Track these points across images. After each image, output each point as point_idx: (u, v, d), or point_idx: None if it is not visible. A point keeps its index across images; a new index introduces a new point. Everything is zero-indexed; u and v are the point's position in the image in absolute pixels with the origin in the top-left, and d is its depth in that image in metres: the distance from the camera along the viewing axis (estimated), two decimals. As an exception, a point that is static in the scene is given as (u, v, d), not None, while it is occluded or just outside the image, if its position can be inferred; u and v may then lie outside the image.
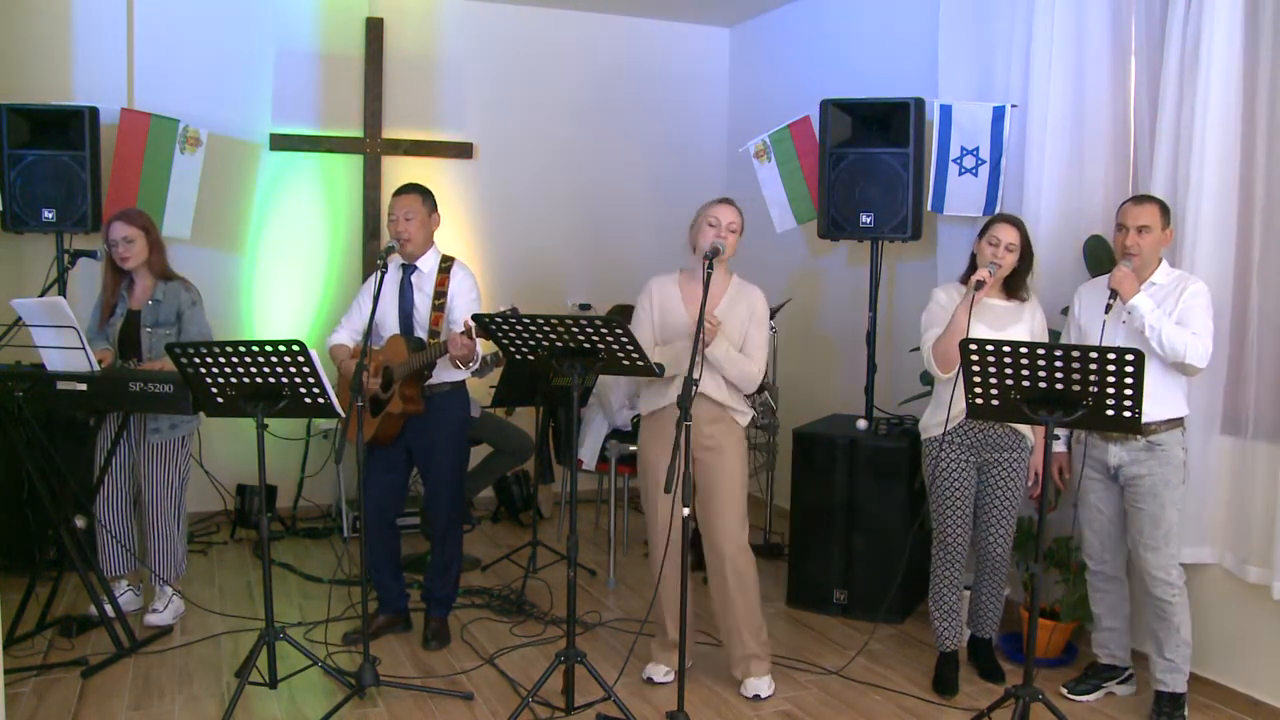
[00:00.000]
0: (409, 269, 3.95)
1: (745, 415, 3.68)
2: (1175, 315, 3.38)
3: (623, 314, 4.72)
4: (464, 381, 4.02)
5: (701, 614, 4.04)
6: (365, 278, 5.10)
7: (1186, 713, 3.49)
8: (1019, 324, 3.61)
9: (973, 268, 3.60)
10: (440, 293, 3.91)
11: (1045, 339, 3.65)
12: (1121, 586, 3.67)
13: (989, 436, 3.63)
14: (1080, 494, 3.67)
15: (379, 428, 3.87)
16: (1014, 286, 3.66)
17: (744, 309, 3.64)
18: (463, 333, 3.50)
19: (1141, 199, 3.49)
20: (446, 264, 3.97)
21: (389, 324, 3.95)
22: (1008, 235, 3.58)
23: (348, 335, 4.04)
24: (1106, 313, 3.38)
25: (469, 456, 4.20)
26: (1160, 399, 3.38)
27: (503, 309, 3.57)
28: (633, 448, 5.02)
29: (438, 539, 4.05)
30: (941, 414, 3.58)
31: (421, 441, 3.94)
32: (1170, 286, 3.45)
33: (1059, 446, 3.71)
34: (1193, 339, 3.33)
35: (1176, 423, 3.47)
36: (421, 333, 3.91)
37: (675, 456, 3.01)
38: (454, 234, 6.08)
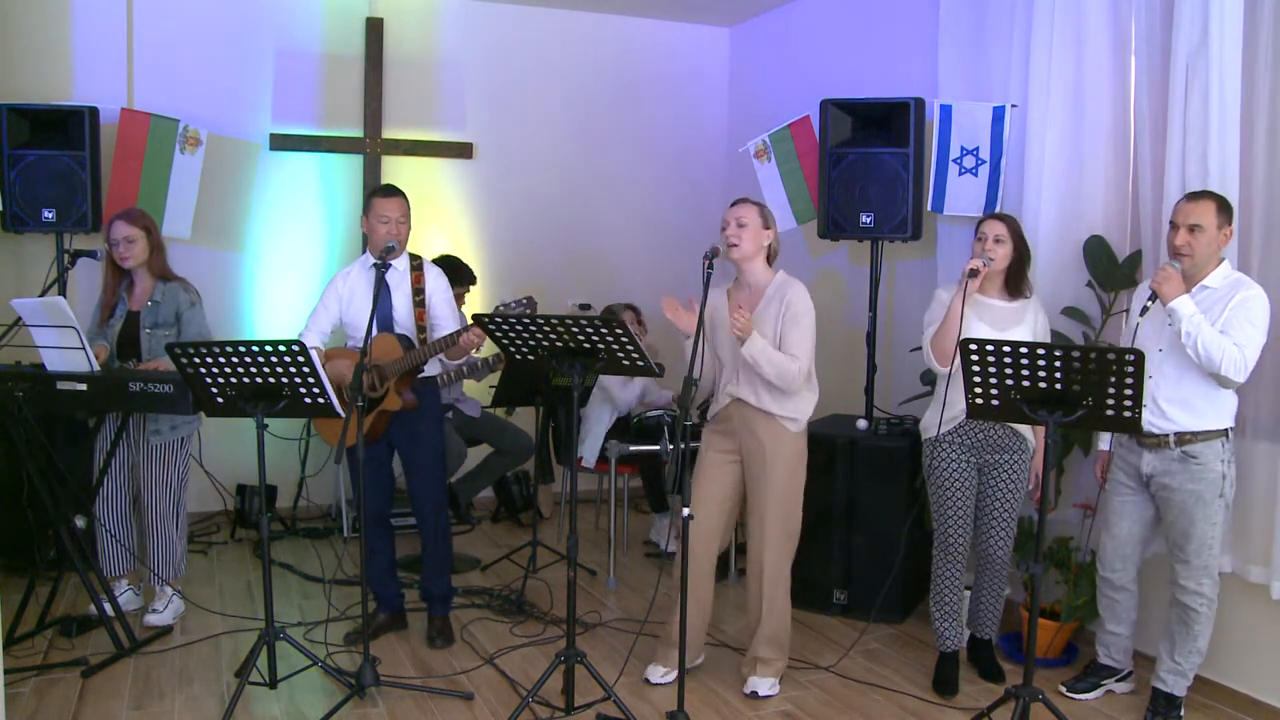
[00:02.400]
0: (383, 268, 3.95)
1: (796, 423, 3.57)
2: (1220, 322, 3.22)
3: (614, 313, 4.73)
4: (436, 376, 4.08)
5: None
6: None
7: (1183, 713, 3.49)
8: (1021, 325, 3.59)
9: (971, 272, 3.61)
10: (418, 289, 3.95)
11: (1047, 340, 3.64)
12: (1131, 596, 3.63)
13: (989, 438, 3.62)
14: (1105, 498, 3.63)
15: (371, 426, 3.88)
16: (1014, 284, 3.65)
17: (778, 306, 3.57)
18: (470, 327, 3.55)
19: (1196, 195, 3.31)
20: (417, 262, 4.01)
21: (364, 324, 3.94)
22: (994, 228, 3.58)
23: (317, 338, 3.99)
24: (1142, 315, 3.29)
25: (445, 449, 4.19)
26: (1196, 408, 3.30)
27: (519, 298, 3.62)
28: (633, 448, 5.02)
29: (428, 537, 4.05)
30: (940, 414, 3.58)
31: (404, 435, 3.96)
32: (1224, 291, 3.27)
33: (1104, 446, 3.64)
34: (1231, 349, 3.16)
35: (1217, 434, 3.32)
36: (403, 330, 3.93)
37: (675, 456, 3.01)
38: (454, 234, 6.09)
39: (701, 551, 3.65)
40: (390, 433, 3.96)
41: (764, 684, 3.65)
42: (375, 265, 3.70)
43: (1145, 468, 3.43)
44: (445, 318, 3.95)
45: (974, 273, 3.49)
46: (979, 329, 3.53)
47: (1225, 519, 3.38)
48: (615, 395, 5.19)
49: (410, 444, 3.97)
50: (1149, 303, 3.29)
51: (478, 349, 3.78)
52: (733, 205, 3.63)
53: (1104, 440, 3.65)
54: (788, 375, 3.47)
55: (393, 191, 3.96)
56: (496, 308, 3.61)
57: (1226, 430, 3.34)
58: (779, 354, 3.47)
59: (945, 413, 3.54)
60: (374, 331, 3.91)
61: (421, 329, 3.92)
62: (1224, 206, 3.29)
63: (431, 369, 4.02)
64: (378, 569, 4.09)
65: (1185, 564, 3.38)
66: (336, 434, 3.68)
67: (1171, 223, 3.34)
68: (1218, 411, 3.32)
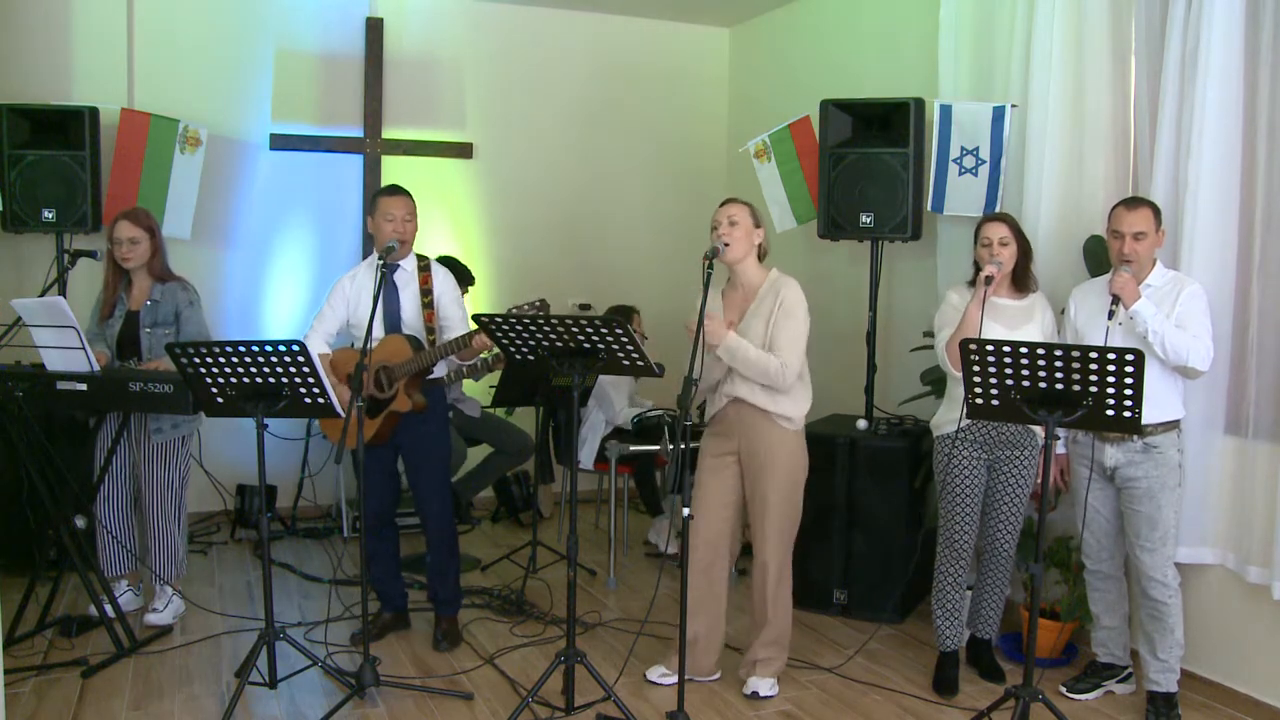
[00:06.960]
0: (391, 269, 3.94)
1: (791, 422, 3.55)
2: (1174, 318, 3.37)
3: (620, 314, 4.74)
4: (443, 377, 4.07)
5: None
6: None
7: (1180, 711, 3.51)
8: (1031, 322, 3.62)
9: (978, 273, 3.62)
10: (426, 290, 3.94)
11: (1056, 335, 3.67)
12: (1119, 585, 3.68)
13: (1001, 434, 3.63)
14: (1077, 493, 3.66)
15: (379, 428, 3.87)
16: (1021, 281, 3.67)
17: (771, 303, 3.56)
18: (477, 331, 3.54)
19: (1134, 203, 3.45)
20: (425, 263, 4.01)
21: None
22: (997, 231, 3.60)
23: (321, 340, 3.95)
24: (1110, 319, 3.36)
25: (451, 451, 4.19)
26: (1157, 401, 3.37)
27: (533, 300, 3.62)
28: (633, 448, 5.02)
29: (434, 539, 4.04)
30: (955, 412, 3.56)
31: (411, 437, 3.95)
32: (1166, 288, 3.44)
33: (1060, 448, 3.69)
34: (1195, 343, 3.33)
35: (1172, 425, 3.47)
36: (411, 331, 3.92)
37: (675, 457, 3.01)
38: (454, 234, 6.09)
39: (713, 560, 3.65)
40: (396, 434, 3.94)
41: (764, 684, 3.65)
42: (379, 265, 3.69)
43: (1109, 461, 3.50)
44: (456, 319, 3.94)
45: (989, 279, 3.50)
46: (993, 329, 3.55)
47: (1179, 508, 3.51)
48: (611, 407, 5.20)
49: (416, 446, 3.96)
50: (1114, 307, 3.37)
51: (490, 349, 3.76)
52: (723, 204, 3.62)
53: (1060, 443, 3.67)
54: (767, 373, 3.47)
55: (398, 190, 3.95)
56: (510, 310, 3.61)
57: (1179, 421, 3.48)
58: (757, 351, 3.46)
59: (962, 410, 3.53)
60: (378, 332, 3.90)
61: (431, 330, 3.90)
62: (1157, 212, 3.46)
63: (439, 370, 4.00)
64: (383, 569, 4.09)
65: (1151, 553, 3.44)
66: (340, 433, 3.65)
67: (1114, 231, 3.44)
68: (1171, 402, 3.46)
